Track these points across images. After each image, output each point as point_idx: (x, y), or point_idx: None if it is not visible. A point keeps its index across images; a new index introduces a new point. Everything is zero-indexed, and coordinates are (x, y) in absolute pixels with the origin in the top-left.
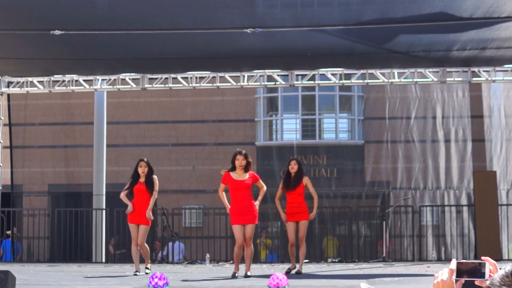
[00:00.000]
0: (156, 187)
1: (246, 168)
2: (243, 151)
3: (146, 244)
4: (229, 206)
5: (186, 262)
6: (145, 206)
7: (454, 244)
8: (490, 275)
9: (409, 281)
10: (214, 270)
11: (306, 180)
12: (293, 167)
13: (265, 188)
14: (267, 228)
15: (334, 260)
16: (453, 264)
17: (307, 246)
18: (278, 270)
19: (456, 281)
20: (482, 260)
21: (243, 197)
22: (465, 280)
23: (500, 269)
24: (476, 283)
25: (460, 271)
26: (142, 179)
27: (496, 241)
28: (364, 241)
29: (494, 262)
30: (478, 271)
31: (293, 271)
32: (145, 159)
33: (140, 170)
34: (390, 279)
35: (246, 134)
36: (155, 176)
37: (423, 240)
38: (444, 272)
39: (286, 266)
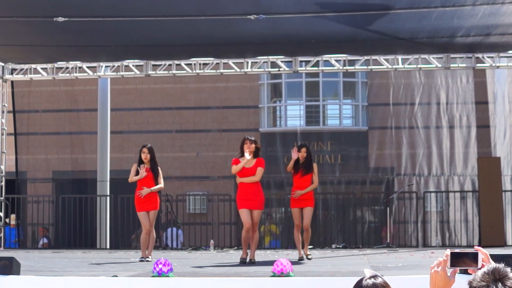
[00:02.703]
0: (162, 180)
1: (255, 154)
2: (253, 138)
3: (154, 231)
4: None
5: (190, 248)
6: (151, 193)
7: (458, 230)
8: (482, 264)
9: (413, 267)
10: (219, 256)
11: (314, 167)
12: (303, 155)
13: (257, 178)
14: (271, 214)
15: (338, 246)
16: (446, 254)
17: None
18: (283, 256)
19: (451, 269)
20: (475, 250)
21: (250, 183)
22: (459, 269)
23: (490, 261)
24: (469, 271)
25: (454, 260)
26: (147, 165)
27: (500, 227)
28: (368, 227)
29: (486, 252)
30: (471, 260)
31: (304, 257)
32: (148, 145)
33: (143, 156)
34: (394, 265)
35: (250, 120)
36: (159, 168)
37: (427, 226)
38: (438, 262)
39: (290, 252)
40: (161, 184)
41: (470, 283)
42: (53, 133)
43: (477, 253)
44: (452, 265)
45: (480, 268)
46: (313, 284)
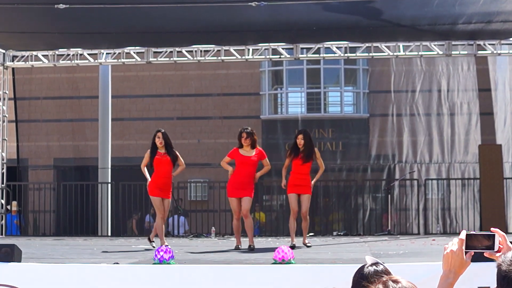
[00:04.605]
0: (182, 161)
1: (252, 145)
2: (248, 128)
3: None
4: (232, 169)
5: (191, 236)
6: (168, 181)
7: (459, 217)
8: (499, 247)
9: (414, 255)
10: (220, 243)
11: (316, 152)
12: (301, 142)
13: (269, 167)
14: (260, 201)
15: (339, 233)
16: (463, 234)
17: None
18: (284, 244)
19: (466, 252)
20: (491, 232)
21: (246, 173)
22: (474, 252)
23: (508, 243)
24: (485, 254)
25: (470, 243)
26: (162, 150)
27: (501, 214)
28: (370, 214)
29: (503, 233)
30: (487, 243)
31: (302, 245)
32: (162, 130)
33: (157, 141)
34: (395, 252)
35: (251, 107)
36: (176, 151)
37: (428, 213)
38: (454, 242)
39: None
40: (182, 166)
41: (499, 265)
42: (54, 120)
43: (494, 235)
44: (467, 247)
45: (497, 251)
46: (314, 272)
